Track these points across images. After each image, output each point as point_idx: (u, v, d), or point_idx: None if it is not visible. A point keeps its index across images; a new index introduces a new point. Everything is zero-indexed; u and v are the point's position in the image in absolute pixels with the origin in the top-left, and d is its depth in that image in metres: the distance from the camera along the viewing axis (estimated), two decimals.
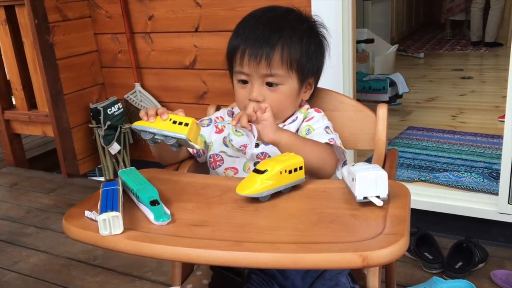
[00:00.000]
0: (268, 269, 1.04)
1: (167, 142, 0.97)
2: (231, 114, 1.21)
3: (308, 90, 1.17)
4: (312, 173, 1.02)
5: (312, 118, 1.14)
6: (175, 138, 0.95)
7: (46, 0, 2.64)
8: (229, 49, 1.12)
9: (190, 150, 1.17)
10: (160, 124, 0.97)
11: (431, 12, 7.30)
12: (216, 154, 1.15)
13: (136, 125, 1.00)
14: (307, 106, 1.18)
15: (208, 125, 1.20)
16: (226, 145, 1.14)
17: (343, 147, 1.11)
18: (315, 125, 1.12)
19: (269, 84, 1.08)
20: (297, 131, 1.13)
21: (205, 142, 1.16)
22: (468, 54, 5.47)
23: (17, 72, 3.01)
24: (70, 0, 2.75)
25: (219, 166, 1.14)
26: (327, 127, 1.13)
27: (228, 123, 1.08)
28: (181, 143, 0.98)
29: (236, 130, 1.12)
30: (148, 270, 1.98)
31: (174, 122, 0.96)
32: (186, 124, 0.95)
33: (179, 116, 0.97)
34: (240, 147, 1.12)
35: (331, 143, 1.08)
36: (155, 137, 0.98)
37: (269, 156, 1.08)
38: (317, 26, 1.16)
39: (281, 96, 1.09)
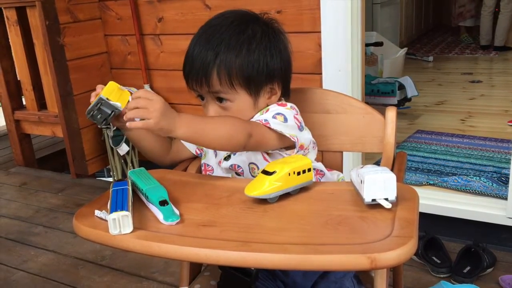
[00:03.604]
0: None
1: (97, 114, 0.96)
2: None
3: (274, 94, 1.08)
4: (218, 149, 1.05)
5: (268, 110, 1.07)
6: (96, 103, 0.95)
7: (57, 1, 2.67)
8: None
9: (191, 149, 1.17)
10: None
11: (440, 16, 7.28)
12: (208, 165, 1.15)
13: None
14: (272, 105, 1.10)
15: None
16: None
17: (289, 134, 1.01)
18: (272, 108, 1.06)
19: (220, 99, 1.04)
20: None
21: (203, 148, 1.17)
22: (477, 58, 5.44)
23: (27, 72, 3.04)
24: (81, 1, 2.78)
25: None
26: (279, 113, 1.04)
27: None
28: (108, 108, 0.95)
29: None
30: (156, 270, 1.98)
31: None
32: None
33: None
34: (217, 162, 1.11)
35: (259, 122, 1.01)
36: (94, 114, 0.97)
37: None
38: (265, 27, 1.06)
39: (234, 113, 1.04)
